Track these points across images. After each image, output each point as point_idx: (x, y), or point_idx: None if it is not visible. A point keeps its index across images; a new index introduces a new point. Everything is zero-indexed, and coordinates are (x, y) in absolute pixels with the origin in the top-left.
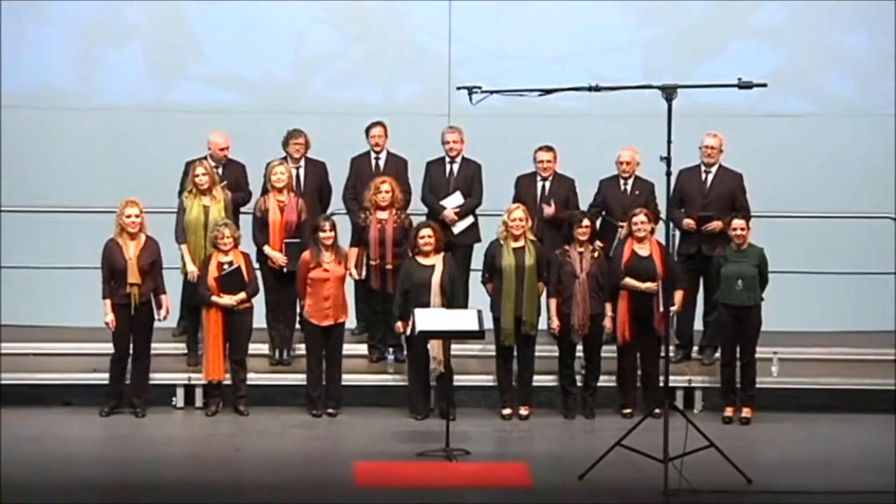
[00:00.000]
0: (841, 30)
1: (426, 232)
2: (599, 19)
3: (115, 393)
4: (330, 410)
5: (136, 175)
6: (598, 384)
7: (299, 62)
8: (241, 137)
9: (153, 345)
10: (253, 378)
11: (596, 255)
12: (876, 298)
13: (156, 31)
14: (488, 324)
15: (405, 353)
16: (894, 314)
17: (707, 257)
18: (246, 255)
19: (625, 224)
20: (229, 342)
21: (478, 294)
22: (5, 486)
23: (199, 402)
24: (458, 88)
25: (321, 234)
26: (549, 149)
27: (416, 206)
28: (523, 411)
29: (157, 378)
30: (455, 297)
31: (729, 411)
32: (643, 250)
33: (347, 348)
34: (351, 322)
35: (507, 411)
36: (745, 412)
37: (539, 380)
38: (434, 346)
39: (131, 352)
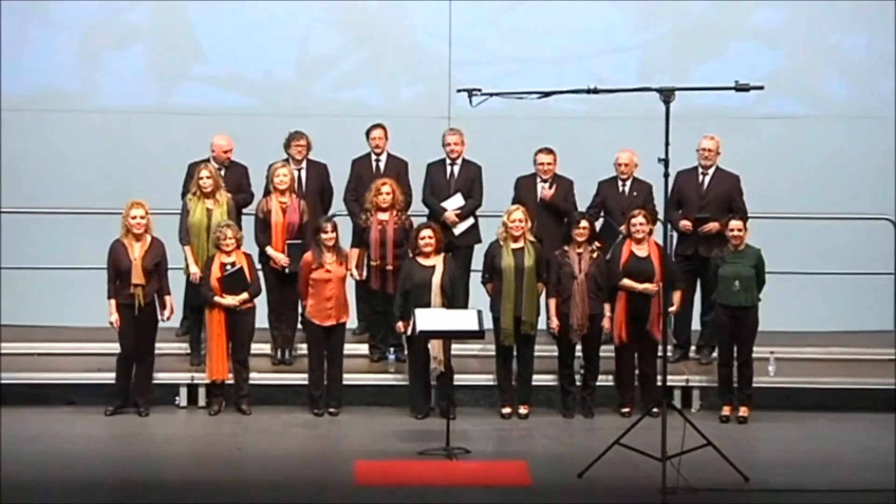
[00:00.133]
0: (839, 31)
1: (427, 233)
2: (598, 21)
3: (121, 392)
4: (331, 410)
5: (139, 176)
6: (597, 383)
7: (301, 64)
8: (242, 139)
9: (157, 344)
10: (255, 378)
11: (595, 255)
12: (872, 299)
13: (158, 33)
14: (488, 324)
15: (406, 352)
16: (893, 314)
17: (704, 258)
18: (248, 256)
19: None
20: (232, 342)
21: (478, 294)
22: (9, 485)
23: (201, 401)
24: (459, 91)
25: (323, 236)
26: (550, 151)
27: (417, 208)
28: (523, 410)
29: (160, 378)
30: (455, 297)
31: (726, 410)
32: (641, 251)
33: (348, 348)
34: (352, 322)
35: (506, 410)
36: (743, 411)
37: (538, 379)
38: (434, 346)
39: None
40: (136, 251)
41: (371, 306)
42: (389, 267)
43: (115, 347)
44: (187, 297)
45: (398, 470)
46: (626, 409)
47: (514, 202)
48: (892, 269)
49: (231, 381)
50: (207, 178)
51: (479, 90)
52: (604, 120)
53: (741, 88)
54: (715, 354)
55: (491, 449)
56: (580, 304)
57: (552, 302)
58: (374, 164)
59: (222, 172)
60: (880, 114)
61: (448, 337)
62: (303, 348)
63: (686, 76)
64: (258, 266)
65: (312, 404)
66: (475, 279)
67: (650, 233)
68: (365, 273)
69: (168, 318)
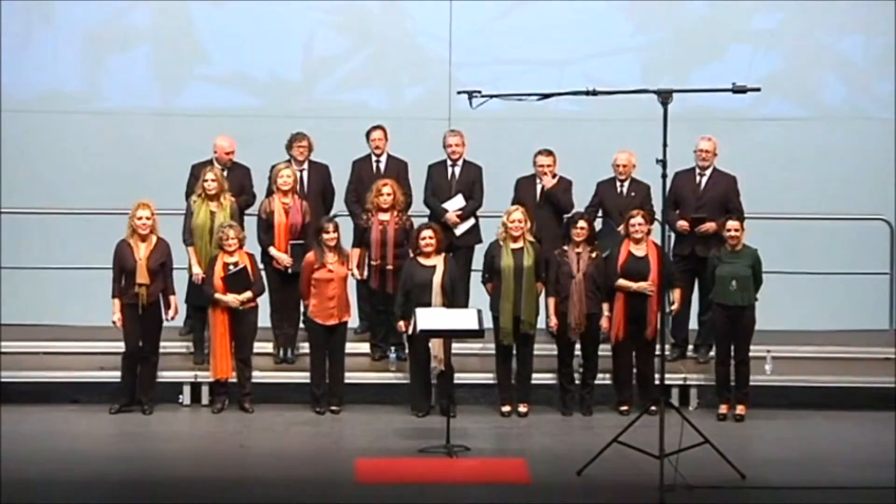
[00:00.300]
0: (835, 34)
1: (427, 233)
2: (597, 24)
3: (126, 391)
4: (333, 408)
5: (142, 177)
6: (596, 382)
7: (303, 66)
8: (245, 140)
9: (161, 343)
10: (258, 376)
11: (594, 255)
12: (868, 298)
13: (161, 35)
14: (488, 323)
15: (407, 351)
16: (889, 314)
17: (702, 258)
18: (251, 256)
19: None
20: (235, 341)
21: (478, 294)
22: (14, 482)
23: (205, 399)
24: (459, 93)
25: (324, 236)
26: (549, 153)
27: (418, 208)
28: (522, 408)
29: (164, 376)
30: (456, 297)
31: (723, 408)
32: (639, 251)
33: (350, 347)
34: (353, 321)
35: (506, 408)
36: (740, 409)
37: (538, 378)
38: (435, 345)
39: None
40: (142, 251)
41: (372, 306)
42: (390, 267)
43: (120, 346)
44: (189, 297)
45: (399, 467)
46: (625, 408)
47: (513, 203)
48: (888, 268)
49: (234, 380)
50: (212, 180)
51: (480, 92)
52: (603, 121)
53: (738, 90)
54: (712, 353)
55: (490, 447)
56: (578, 303)
57: (551, 301)
58: (374, 165)
59: (225, 174)
60: (876, 115)
61: (448, 336)
62: (305, 347)
63: (684, 78)
64: (261, 266)
65: (314, 402)
66: (476, 279)
67: (648, 233)
68: (366, 273)
69: (172, 318)
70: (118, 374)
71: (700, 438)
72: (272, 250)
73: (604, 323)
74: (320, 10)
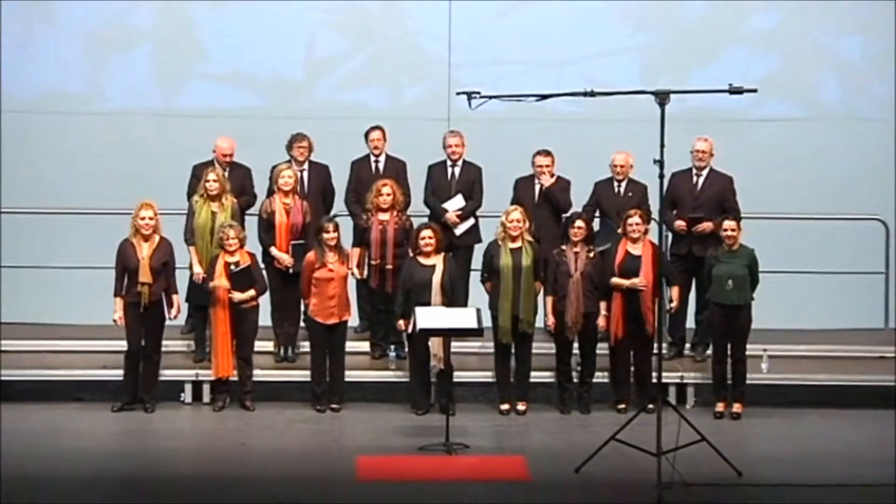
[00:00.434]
0: (832, 35)
1: (427, 233)
2: (596, 25)
3: (128, 389)
4: (333, 406)
5: (143, 177)
6: (594, 380)
7: (303, 66)
8: (246, 140)
9: (163, 342)
10: (259, 374)
11: (592, 255)
12: (863, 297)
13: (162, 36)
14: (487, 322)
15: (406, 350)
16: (884, 313)
17: (698, 258)
18: (252, 255)
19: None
20: (236, 340)
21: (477, 293)
22: (18, 479)
23: (206, 397)
24: (458, 93)
25: (325, 235)
26: (548, 153)
27: (418, 208)
28: (521, 406)
29: (166, 374)
30: (455, 296)
31: (720, 407)
32: (636, 250)
33: (350, 345)
34: (353, 320)
35: (505, 406)
36: (736, 407)
37: (536, 376)
38: (434, 344)
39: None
40: (145, 251)
41: (372, 305)
42: (389, 266)
43: (122, 345)
44: (189, 296)
45: (399, 465)
46: (622, 406)
47: (512, 203)
48: (883, 268)
49: (235, 378)
50: (214, 181)
51: (479, 93)
52: (601, 122)
53: (735, 91)
54: (709, 352)
55: (489, 444)
56: (575, 302)
57: (549, 300)
58: (373, 165)
59: (225, 173)
60: (873, 116)
61: (448, 335)
62: (305, 346)
63: (683, 79)
64: (262, 265)
65: (315, 400)
66: (475, 278)
67: (646, 232)
68: (366, 272)
69: (175, 317)
70: (121, 372)
71: (697, 436)
72: (273, 250)
73: (601, 322)
74: (320, 11)
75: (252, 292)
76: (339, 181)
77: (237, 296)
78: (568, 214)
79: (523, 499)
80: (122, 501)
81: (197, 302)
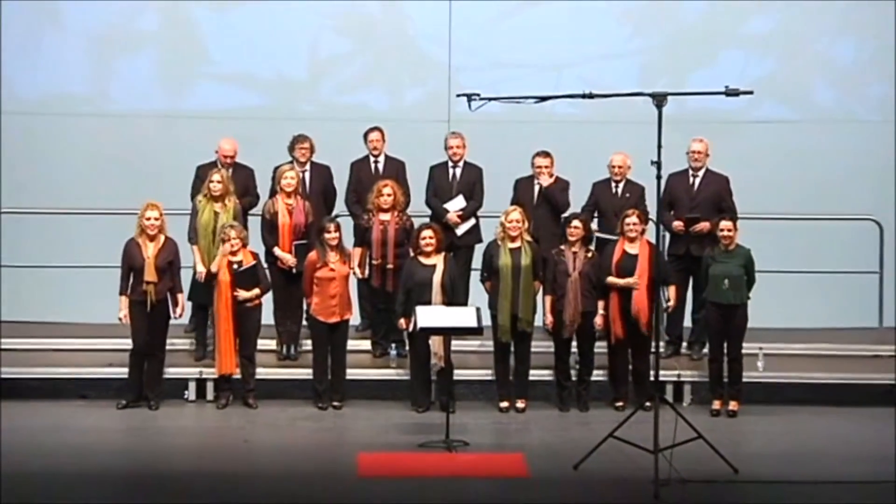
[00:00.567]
0: (827, 38)
1: (427, 233)
2: (595, 28)
3: (133, 387)
4: (335, 403)
5: (148, 178)
6: (592, 379)
7: (306, 68)
8: (249, 141)
9: (167, 340)
10: (261, 372)
11: (590, 255)
12: (857, 297)
13: (167, 38)
14: (486, 321)
15: (407, 348)
16: (878, 311)
17: (696, 257)
18: (255, 255)
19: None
20: (239, 338)
21: (477, 292)
22: (24, 476)
23: (210, 395)
24: (458, 95)
25: (326, 235)
26: (547, 154)
27: (419, 208)
28: (520, 404)
29: (170, 372)
30: (456, 295)
31: (716, 404)
32: (633, 250)
33: (351, 344)
34: (355, 319)
35: (504, 404)
36: (732, 405)
37: (535, 374)
38: (435, 342)
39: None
40: (150, 250)
41: (373, 304)
42: (390, 266)
43: (127, 343)
44: (191, 295)
45: (399, 461)
46: (620, 404)
47: (512, 203)
48: (877, 267)
49: (238, 376)
50: (218, 182)
51: (479, 95)
52: (599, 124)
53: (731, 93)
54: (706, 350)
55: (489, 442)
56: (573, 301)
57: (547, 299)
58: (372, 165)
59: (230, 174)
60: (867, 118)
61: (448, 333)
62: (307, 344)
63: (680, 81)
64: (265, 265)
65: (317, 398)
66: (476, 278)
67: (643, 232)
68: (367, 272)
69: (180, 316)
70: (125, 370)
71: (694, 434)
72: (277, 251)
73: (598, 321)
74: (321, 14)
75: (257, 291)
76: (341, 182)
77: (242, 294)
78: (566, 215)
79: (522, 495)
80: (126, 498)
81: (199, 301)
